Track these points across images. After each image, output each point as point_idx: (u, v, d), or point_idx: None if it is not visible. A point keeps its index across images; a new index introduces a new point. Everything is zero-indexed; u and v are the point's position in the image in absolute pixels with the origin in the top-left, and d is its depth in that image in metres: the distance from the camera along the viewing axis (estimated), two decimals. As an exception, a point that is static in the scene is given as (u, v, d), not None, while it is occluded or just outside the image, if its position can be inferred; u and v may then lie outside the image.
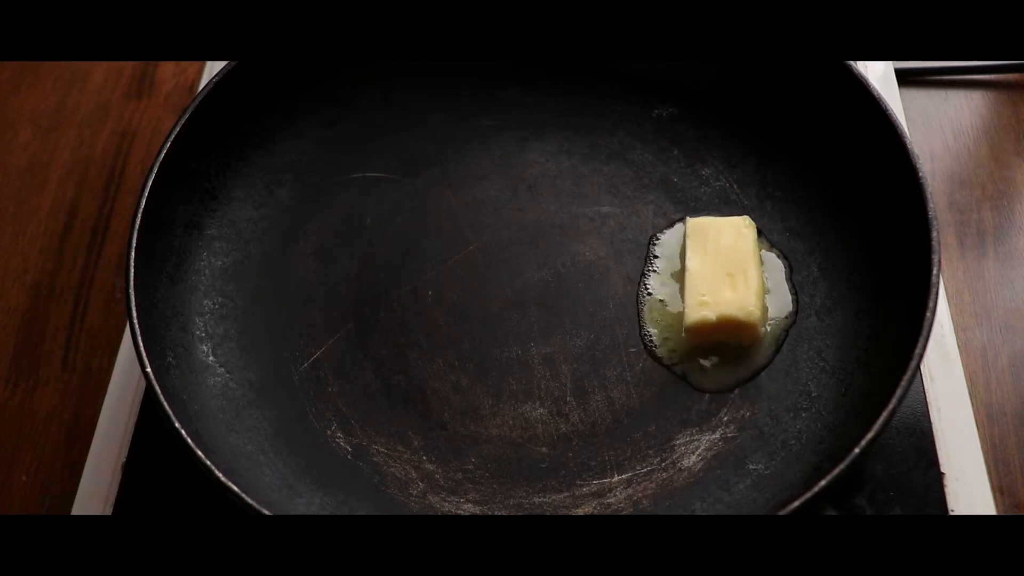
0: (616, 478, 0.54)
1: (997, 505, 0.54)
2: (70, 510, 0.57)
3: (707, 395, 0.56)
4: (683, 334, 0.57)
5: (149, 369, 0.52)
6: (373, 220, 0.64)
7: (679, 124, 0.66)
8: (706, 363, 0.57)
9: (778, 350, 0.57)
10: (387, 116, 0.68)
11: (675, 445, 0.55)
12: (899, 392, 0.48)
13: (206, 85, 0.61)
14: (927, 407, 0.56)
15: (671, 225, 0.62)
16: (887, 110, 0.57)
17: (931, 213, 0.53)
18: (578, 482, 0.54)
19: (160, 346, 0.56)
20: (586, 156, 0.66)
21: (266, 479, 0.54)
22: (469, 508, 0.54)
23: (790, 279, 0.59)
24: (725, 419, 0.55)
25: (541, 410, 0.56)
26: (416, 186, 0.65)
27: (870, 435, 0.47)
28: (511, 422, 0.56)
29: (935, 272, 0.51)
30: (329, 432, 0.57)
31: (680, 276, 0.59)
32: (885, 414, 0.47)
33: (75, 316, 0.66)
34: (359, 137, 0.67)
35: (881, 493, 0.53)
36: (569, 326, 0.59)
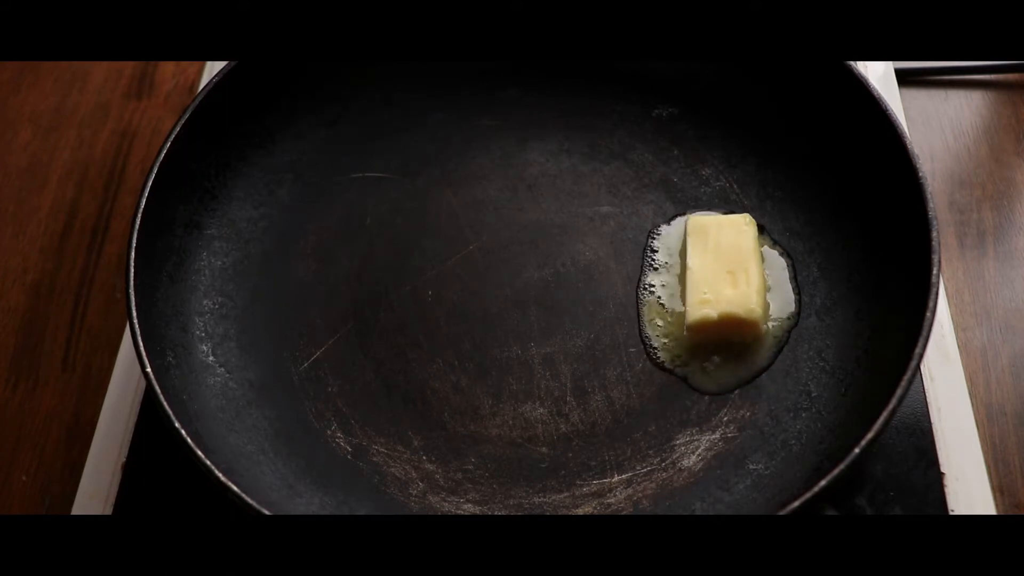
0: (616, 478, 0.54)
1: (997, 505, 0.54)
2: (70, 510, 0.57)
3: (707, 395, 0.56)
4: (685, 332, 0.57)
5: (149, 369, 0.52)
6: (373, 220, 0.64)
7: (679, 124, 0.66)
8: (707, 365, 0.57)
9: (779, 351, 0.57)
10: (387, 116, 0.68)
11: (675, 445, 0.55)
12: (899, 392, 0.48)
13: (206, 85, 0.61)
14: (927, 407, 0.56)
15: (671, 224, 0.62)
16: (887, 110, 0.57)
17: (931, 213, 0.53)
18: (578, 482, 0.54)
19: (160, 346, 0.56)
20: (586, 156, 0.66)
21: (266, 479, 0.54)
22: (469, 508, 0.54)
23: (794, 279, 0.59)
24: (725, 419, 0.55)
25: (541, 410, 0.56)
26: (416, 186, 0.65)
27: (870, 435, 0.47)
28: (511, 422, 0.56)
29: (935, 272, 0.51)
30: (329, 432, 0.57)
31: (681, 275, 0.59)
32: (885, 414, 0.47)
33: (75, 316, 0.66)
34: (359, 137, 0.67)
35: (881, 493, 0.53)
36: (569, 326, 0.59)
